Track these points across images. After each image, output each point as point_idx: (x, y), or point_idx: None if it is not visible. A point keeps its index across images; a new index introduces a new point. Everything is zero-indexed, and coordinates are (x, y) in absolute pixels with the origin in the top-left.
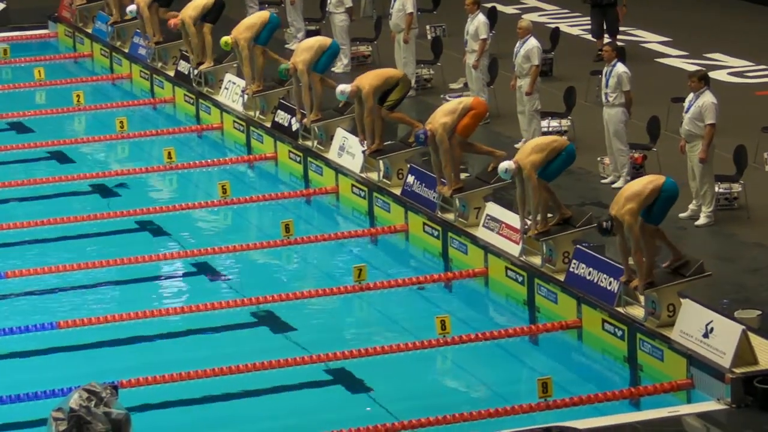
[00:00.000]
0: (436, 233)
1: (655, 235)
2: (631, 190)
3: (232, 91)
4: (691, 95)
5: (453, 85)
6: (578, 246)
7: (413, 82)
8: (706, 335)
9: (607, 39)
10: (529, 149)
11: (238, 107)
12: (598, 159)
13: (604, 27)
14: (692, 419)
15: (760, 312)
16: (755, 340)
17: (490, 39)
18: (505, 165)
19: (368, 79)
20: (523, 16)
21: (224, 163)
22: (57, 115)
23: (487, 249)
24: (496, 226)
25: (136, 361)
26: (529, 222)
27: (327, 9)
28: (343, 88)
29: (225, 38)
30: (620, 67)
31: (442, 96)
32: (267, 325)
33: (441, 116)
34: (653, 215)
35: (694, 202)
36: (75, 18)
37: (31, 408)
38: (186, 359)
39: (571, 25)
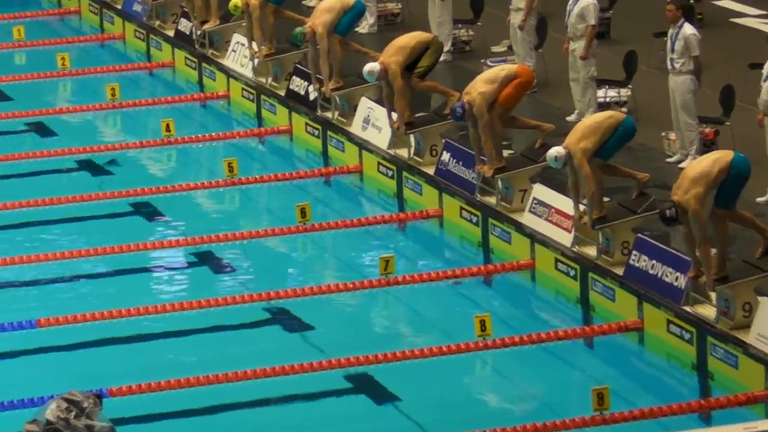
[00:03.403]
0: (474, 219)
1: (733, 220)
2: (695, 172)
3: (241, 53)
4: None
5: (495, 49)
6: (639, 235)
7: (449, 44)
8: None
9: None
10: (580, 133)
11: (248, 73)
12: (663, 134)
13: None
14: None
15: None
16: None
17: None
18: (553, 152)
19: (394, 56)
20: None
21: (231, 137)
22: (38, 81)
23: (534, 238)
24: (544, 212)
25: (127, 365)
26: (583, 208)
27: None
28: (371, 67)
29: (234, 1)
30: (688, 29)
31: (482, 61)
32: (279, 324)
33: (480, 85)
34: (723, 198)
35: None
36: None
37: (2, 419)
38: (184, 364)
39: None
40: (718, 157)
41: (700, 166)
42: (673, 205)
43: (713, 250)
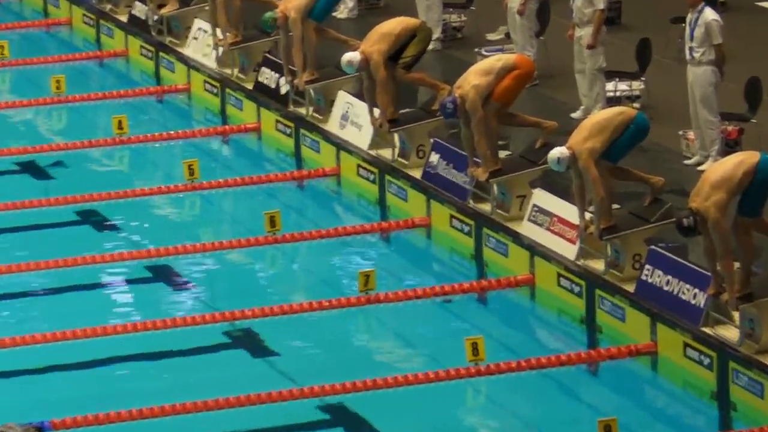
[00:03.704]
0: (466, 229)
1: (758, 229)
2: (716, 176)
3: (203, 41)
4: None
5: (491, 36)
6: (653, 247)
7: (439, 31)
8: None
9: None
10: (586, 132)
11: (211, 63)
12: (681, 133)
13: None
14: None
15: None
16: None
17: None
18: (556, 153)
19: (377, 44)
20: None
21: (192, 135)
22: None
23: (534, 250)
24: (545, 221)
25: (71, 394)
26: (590, 216)
27: None
28: (351, 57)
29: None
30: (709, 14)
31: (476, 50)
32: (245, 347)
33: (474, 77)
34: (748, 205)
35: None
36: None
37: None
38: (136, 392)
39: None
40: (743, 159)
41: (722, 169)
42: (692, 213)
43: (736, 264)
